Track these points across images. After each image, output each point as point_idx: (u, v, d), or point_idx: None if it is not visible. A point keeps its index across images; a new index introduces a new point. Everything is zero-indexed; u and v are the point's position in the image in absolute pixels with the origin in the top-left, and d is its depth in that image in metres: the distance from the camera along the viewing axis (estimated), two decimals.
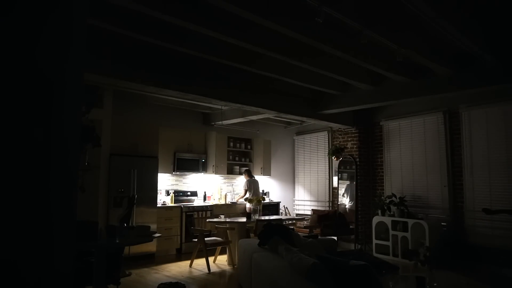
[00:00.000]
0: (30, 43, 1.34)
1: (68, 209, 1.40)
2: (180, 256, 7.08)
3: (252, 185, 8.18)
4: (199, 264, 6.34)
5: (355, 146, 8.41)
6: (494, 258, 6.00)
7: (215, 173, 8.24)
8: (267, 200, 8.99)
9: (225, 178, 8.77)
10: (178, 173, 7.79)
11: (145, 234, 4.23)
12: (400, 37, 4.49)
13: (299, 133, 9.87)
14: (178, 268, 6.17)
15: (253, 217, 6.72)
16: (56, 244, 1.37)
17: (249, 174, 8.39)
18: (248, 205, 7.74)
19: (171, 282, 4.16)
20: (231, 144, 8.60)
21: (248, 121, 8.40)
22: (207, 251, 6.11)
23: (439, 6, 3.70)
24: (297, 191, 9.83)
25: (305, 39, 4.28)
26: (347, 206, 8.48)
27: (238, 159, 8.78)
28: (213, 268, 6.18)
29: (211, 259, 6.35)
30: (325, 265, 2.80)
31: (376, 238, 7.34)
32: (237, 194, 8.93)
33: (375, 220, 7.42)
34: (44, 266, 1.34)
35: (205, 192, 8.28)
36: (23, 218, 1.30)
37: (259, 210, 7.09)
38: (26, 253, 1.30)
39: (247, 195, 8.08)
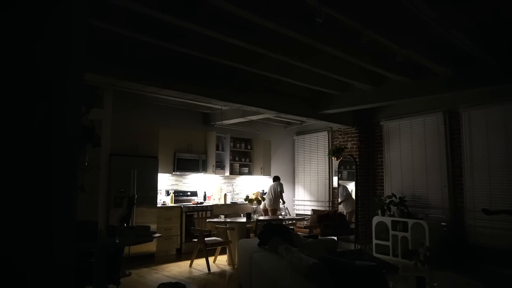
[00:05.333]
0: (29, 43, 1.34)
1: (68, 209, 1.40)
2: (180, 256, 7.08)
3: (269, 189, 8.56)
4: (199, 264, 6.34)
5: (355, 146, 8.41)
6: (494, 258, 6.00)
7: (215, 173, 8.25)
8: None
9: (225, 178, 8.77)
10: (178, 173, 7.79)
11: (145, 234, 4.22)
12: (400, 37, 4.49)
13: (299, 133, 9.87)
14: (178, 268, 6.18)
15: (253, 217, 6.72)
16: (56, 244, 1.37)
17: (274, 179, 8.69)
18: (262, 206, 8.45)
19: (171, 282, 4.16)
20: (231, 144, 8.60)
21: (248, 121, 8.40)
22: (207, 251, 6.11)
23: (439, 6, 3.70)
24: (297, 191, 9.83)
25: (305, 39, 4.28)
26: (340, 210, 8.51)
27: (238, 159, 8.78)
28: (213, 268, 6.18)
29: (211, 259, 6.35)
30: (329, 266, 2.79)
31: (376, 238, 7.34)
32: (237, 194, 8.94)
33: (375, 220, 7.42)
34: (44, 265, 1.34)
35: (205, 192, 8.28)
36: (23, 218, 1.30)
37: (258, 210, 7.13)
38: (27, 253, 1.30)
39: (266, 200, 8.48)
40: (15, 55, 1.31)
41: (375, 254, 7.22)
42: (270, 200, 8.44)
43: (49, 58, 1.38)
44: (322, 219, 8.09)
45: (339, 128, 8.70)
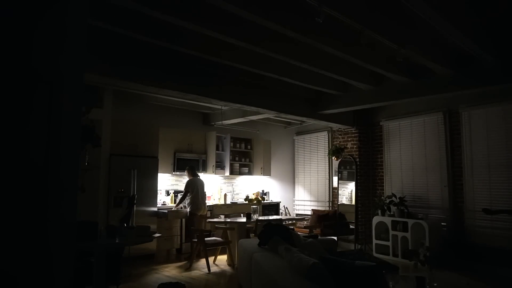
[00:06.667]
0: (28, 43, 1.34)
1: (69, 209, 1.40)
2: (180, 256, 7.08)
3: (194, 186, 7.11)
4: (199, 264, 6.34)
5: (355, 146, 8.41)
6: (494, 258, 6.00)
7: (215, 173, 8.24)
8: (267, 200, 9.00)
9: (225, 178, 8.77)
10: (178, 173, 7.79)
11: (145, 234, 4.23)
12: (400, 37, 4.49)
13: (299, 133, 9.87)
14: (178, 268, 6.18)
15: (253, 217, 6.72)
16: (56, 244, 1.36)
17: (192, 173, 7.30)
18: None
19: (171, 282, 4.16)
20: (231, 144, 8.60)
21: (248, 121, 8.40)
22: (207, 251, 6.11)
23: (439, 6, 3.70)
24: (297, 191, 9.83)
25: (305, 39, 4.28)
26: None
27: (238, 159, 8.78)
28: (213, 268, 6.18)
29: (211, 259, 6.35)
30: (329, 266, 2.79)
31: (376, 238, 7.34)
32: (237, 194, 8.93)
33: (375, 220, 7.42)
34: (43, 266, 1.34)
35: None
36: (22, 218, 1.30)
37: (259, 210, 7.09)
38: (26, 254, 1.30)
39: (187, 198, 7.07)
40: (13, 55, 1.31)
41: (375, 254, 7.23)
42: (198, 203, 7.03)
43: (48, 58, 1.38)
44: (322, 219, 8.09)
45: (339, 128, 8.70)
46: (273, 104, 6.95)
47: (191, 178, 7.23)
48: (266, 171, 9.06)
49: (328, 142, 9.07)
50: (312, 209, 9.00)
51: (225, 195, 8.40)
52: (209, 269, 5.97)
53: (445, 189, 6.97)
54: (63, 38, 1.42)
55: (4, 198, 1.27)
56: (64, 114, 1.41)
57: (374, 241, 7.37)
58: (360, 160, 8.32)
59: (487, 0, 4.17)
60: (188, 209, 7.07)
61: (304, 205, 9.54)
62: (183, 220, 7.27)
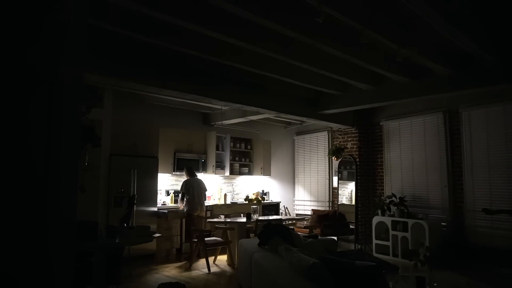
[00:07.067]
0: (25, 44, 1.34)
1: (69, 209, 1.40)
2: (180, 256, 7.08)
3: (189, 187, 7.05)
4: (199, 264, 6.34)
5: (355, 146, 8.41)
6: (494, 258, 6.00)
7: (215, 173, 8.24)
8: (267, 200, 9.00)
9: (225, 178, 8.77)
10: (178, 173, 7.78)
11: (145, 234, 4.22)
12: (400, 37, 4.49)
13: (299, 133, 9.87)
14: (178, 268, 6.17)
15: (253, 217, 6.72)
16: (55, 245, 1.36)
17: (189, 173, 7.26)
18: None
19: (171, 282, 4.16)
20: (231, 144, 8.60)
21: (248, 121, 8.40)
22: (207, 251, 6.11)
23: (439, 5, 3.70)
24: (297, 191, 9.83)
25: (305, 39, 4.28)
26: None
27: (238, 159, 8.77)
28: (213, 268, 6.18)
29: (211, 259, 6.35)
30: (329, 266, 2.79)
31: (376, 238, 7.34)
32: (237, 194, 8.93)
33: (375, 220, 7.42)
34: (42, 266, 1.34)
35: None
36: (21, 218, 1.30)
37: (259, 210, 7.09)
38: (24, 256, 1.30)
39: (184, 201, 7.04)
40: (14, 56, 1.31)
41: (375, 254, 7.22)
42: (194, 204, 6.99)
43: (48, 59, 1.38)
44: (322, 219, 8.10)
45: (339, 128, 8.70)
46: (273, 104, 6.95)
47: (188, 178, 7.21)
48: (266, 171, 9.06)
49: (328, 142, 9.07)
50: (312, 209, 9.00)
51: (225, 195, 8.40)
52: (209, 269, 5.97)
53: (445, 189, 6.97)
54: (63, 38, 1.42)
55: (4, 198, 1.27)
56: (64, 114, 1.41)
57: (374, 241, 7.36)
58: (360, 160, 8.32)
59: (487, 0, 4.17)
60: (184, 210, 7.06)
61: (304, 205, 9.54)
62: (183, 220, 7.27)
